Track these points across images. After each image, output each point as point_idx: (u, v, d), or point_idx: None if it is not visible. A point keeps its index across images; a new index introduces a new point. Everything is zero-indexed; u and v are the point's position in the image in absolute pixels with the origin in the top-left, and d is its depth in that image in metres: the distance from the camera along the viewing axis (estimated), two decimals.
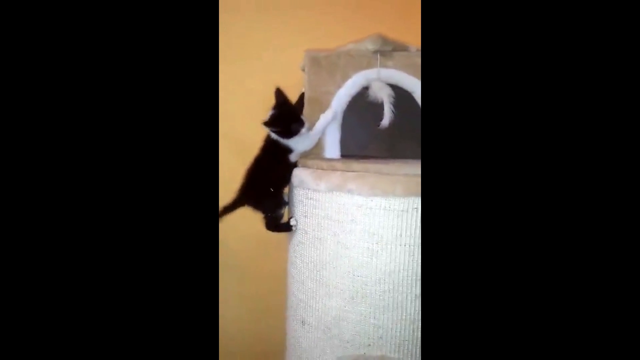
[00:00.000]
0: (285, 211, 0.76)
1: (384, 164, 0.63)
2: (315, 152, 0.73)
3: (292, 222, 0.71)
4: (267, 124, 0.68)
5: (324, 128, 0.71)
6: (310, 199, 0.67)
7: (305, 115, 0.76)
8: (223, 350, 1.23)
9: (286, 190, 0.75)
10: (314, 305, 0.68)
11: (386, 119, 0.70)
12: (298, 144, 0.71)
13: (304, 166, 0.71)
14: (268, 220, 0.73)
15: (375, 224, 0.60)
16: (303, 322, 0.70)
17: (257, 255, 1.17)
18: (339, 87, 0.72)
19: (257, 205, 0.73)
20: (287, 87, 0.74)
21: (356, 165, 0.64)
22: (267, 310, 1.23)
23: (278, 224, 0.73)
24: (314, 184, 0.65)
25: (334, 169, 0.65)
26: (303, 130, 0.68)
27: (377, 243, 0.60)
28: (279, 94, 0.71)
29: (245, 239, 1.10)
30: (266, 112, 0.71)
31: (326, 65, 0.73)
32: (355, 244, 0.62)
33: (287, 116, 0.69)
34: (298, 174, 0.70)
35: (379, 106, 0.71)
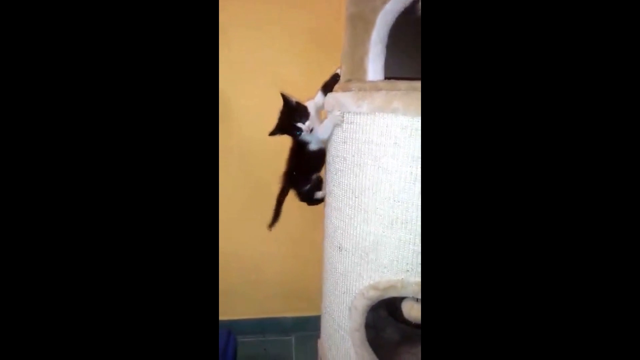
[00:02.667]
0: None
1: None
2: (357, 77, 0.69)
3: (318, 195, 0.83)
4: (271, 134, 0.75)
5: (330, 130, 0.72)
6: (351, 123, 0.64)
7: (346, 37, 0.71)
8: (265, 284, 1.31)
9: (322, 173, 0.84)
10: (351, 232, 0.68)
11: None
12: (308, 139, 0.76)
13: (345, 90, 0.67)
14: (300, 196, 0.86)
15: (420, 146, 0.57)
16: (340, 248, 0.71)
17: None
18: (385, 1, 0.65)
19: (293, 186, 0.86)
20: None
21: (402, 84, 0.59)
22: (306, 246, 1.27)
23: (307, 198, 0.85)
24: (355, 105, 0.62)
25: (378, 89, 0.60)
26: (305, 125, 0.72)
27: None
28: (284, 99, 0.75)
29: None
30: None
31: None
32: (397, 168, 0.59)
33: (287, 120, 0.74)
34: (337, 97, 0.66)
35: None
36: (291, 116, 0.74)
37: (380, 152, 0.60)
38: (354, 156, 0.65)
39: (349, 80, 0.69)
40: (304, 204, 0.88)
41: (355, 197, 0.66)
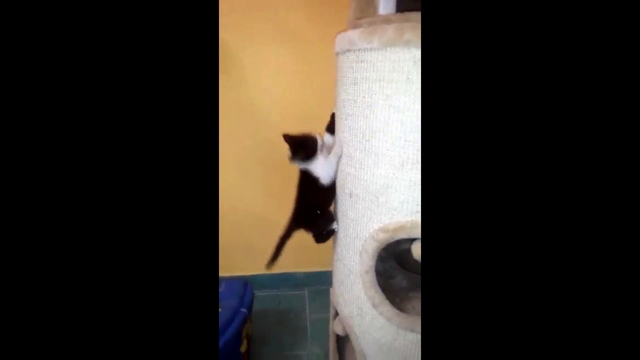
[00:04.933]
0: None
1: None
2: (368, 14, 0.66)
3: (334, 226, 0.78)
4: (291, 159, 0.75)
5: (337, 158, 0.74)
6: (361, 61, 0.62)
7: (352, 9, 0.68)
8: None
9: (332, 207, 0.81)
10: (361, 176, 0.67)
11: None
12: (319, 169, 0.75)
13: (355, 27, 0.64)
14: (317, 236, 0.80)
15: None
16: (350, 194, 0.71)
17: None
18: None
19: (309, 227, 0.80)
20: None
21: (415, 15, 0.56)
22: None
23: (325, 234, 0.79)
24: (366, 41, 0.59)
25: (389, 22, 0.57)
26: (319, 143, 0.74)
27: None
28: (287, 138, 0.74)
29: None
30: None
31: None
32: (409, 106, 0.57)
33: (299, 145, 0.74)
34: (347, 36, 0.63)
35: None
36: (302, 140, 0.75)
37: (392, 89, 0.58)
38: (364, 97, 0.63)
39: (359, 18, 0.66)
40: None
41: (366, 141, 0.65)
